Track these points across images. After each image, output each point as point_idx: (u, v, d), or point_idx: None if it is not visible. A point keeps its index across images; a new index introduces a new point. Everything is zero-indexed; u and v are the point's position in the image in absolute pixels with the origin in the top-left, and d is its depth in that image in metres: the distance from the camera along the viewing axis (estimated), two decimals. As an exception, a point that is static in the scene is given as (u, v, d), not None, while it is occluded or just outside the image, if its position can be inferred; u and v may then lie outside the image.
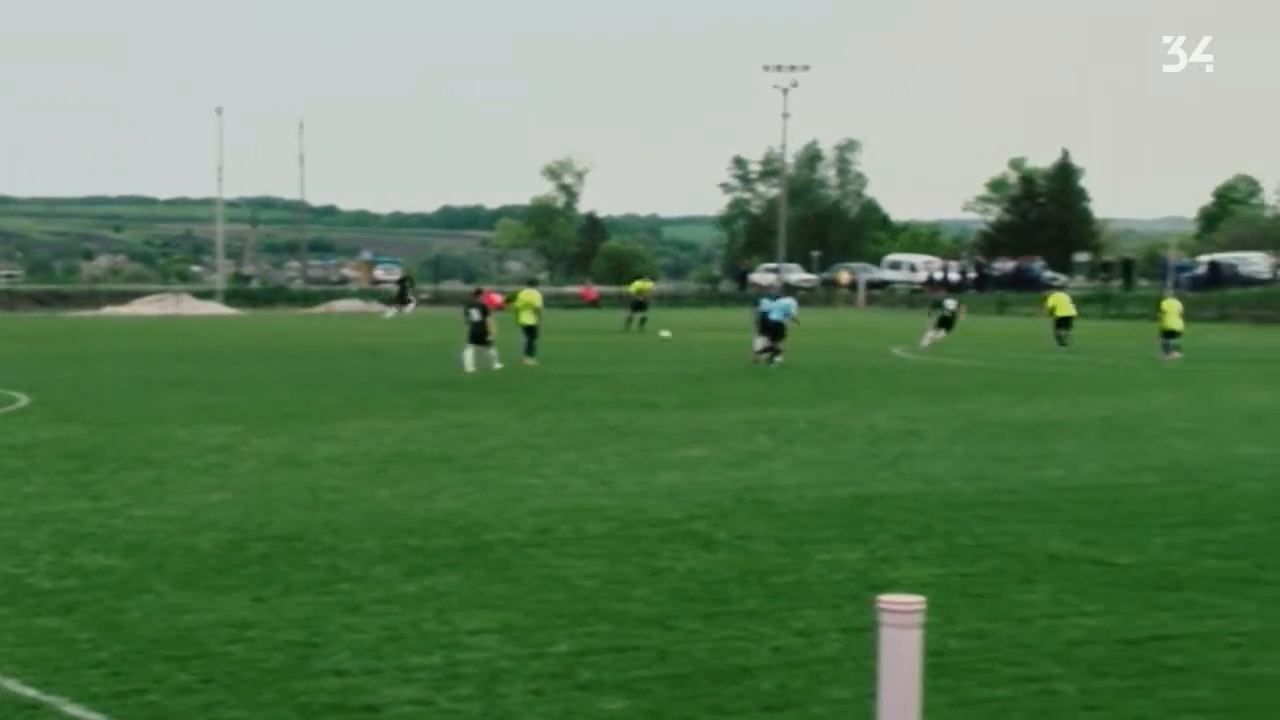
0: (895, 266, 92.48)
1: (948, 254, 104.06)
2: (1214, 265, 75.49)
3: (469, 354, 33.22)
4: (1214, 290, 69.01)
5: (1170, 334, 38.95)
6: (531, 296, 37.00)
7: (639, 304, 55.03)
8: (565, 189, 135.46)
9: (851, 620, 10.00)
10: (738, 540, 13.05)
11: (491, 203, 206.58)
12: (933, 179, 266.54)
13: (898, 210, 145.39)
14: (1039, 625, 10.06)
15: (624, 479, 16.58)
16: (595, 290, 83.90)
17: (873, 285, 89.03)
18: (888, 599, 6.79)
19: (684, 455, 18.63)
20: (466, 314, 34.21)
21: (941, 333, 43.31)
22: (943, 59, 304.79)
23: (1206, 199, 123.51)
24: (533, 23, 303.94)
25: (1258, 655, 9.32)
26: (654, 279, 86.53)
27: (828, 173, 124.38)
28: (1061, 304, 44.70)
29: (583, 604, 10.61)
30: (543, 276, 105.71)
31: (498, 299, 39.62)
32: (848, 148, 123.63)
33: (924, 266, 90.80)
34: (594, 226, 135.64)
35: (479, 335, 33.57)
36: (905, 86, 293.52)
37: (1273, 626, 10.02)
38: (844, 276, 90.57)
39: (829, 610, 10.44)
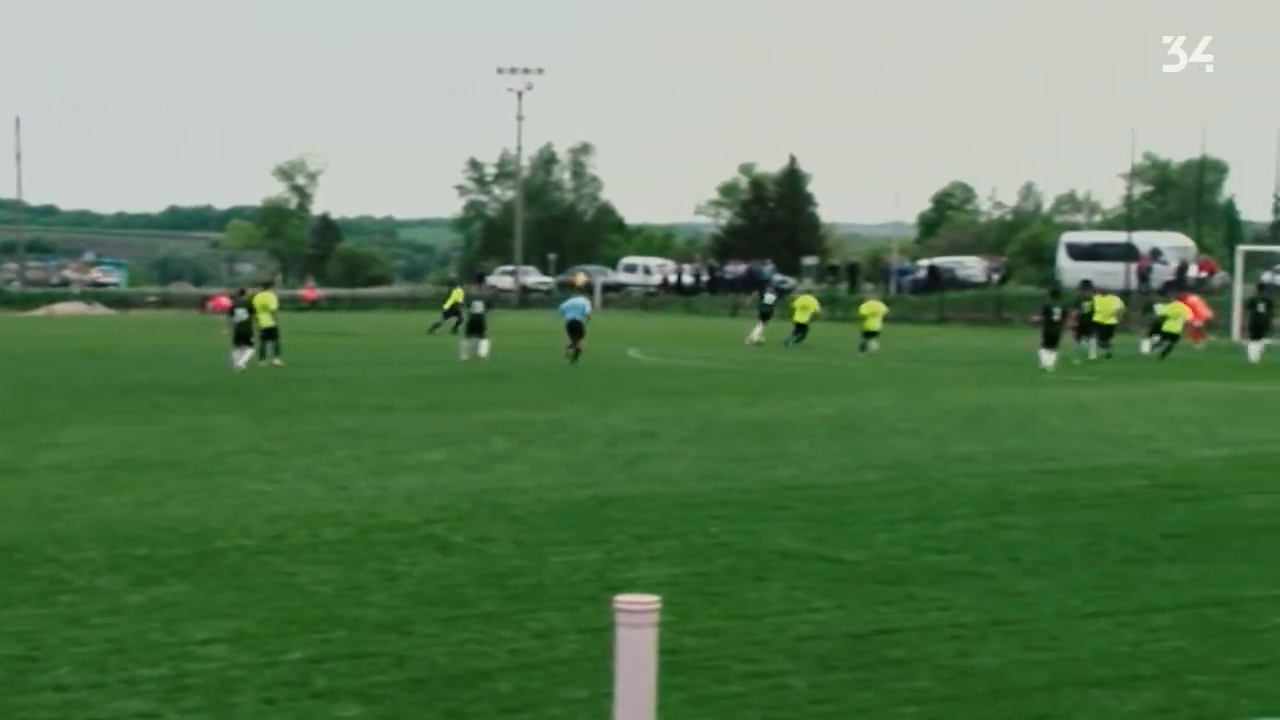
0: (630, 269, 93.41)
1: (682, 256, 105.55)
2: (933, 269, 78.15)
3: (237, 354, 33.63)
4: (934, 293, 71.49)
5: (869, 334, 42.77)
6: (267, 299, 36.43)
7: (452, 312, 55.43)
8: (298, 190, 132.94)
9: (589, 621, 10.06)
10: (476, 543, 13.01)
11: (221, 203, 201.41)
12: (666, 182, 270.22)
13: (632, 213, 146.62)
14: (771, 622, 10.28)
15: (360, 483, 16.37)
16: (316, 291, 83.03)
17: (609, 288, 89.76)
18: (624, 599, 6.85)
19: (421, 458, 18.49)
20: (232, 314, 34.41)
21: (760, 326, 45.23)
22: (675, 64, 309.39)
23: (925, 205, 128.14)
24: (263, 21, 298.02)
25: (975, 646, 9.70)
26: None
27: (563, 175, 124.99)
28: (873, 315, 44.58)
29: (318, 610, 10.44)
30: (277, 279, 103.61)
31: (225, 302, 39.62)
32: (582, 151, 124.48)
33: (659, 269, 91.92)
34: (328, 228, 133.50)
35: (243, 336, 33.98)
36: (638, 90, 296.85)
37: (989, 618, 10.43)
38: (580, 279, 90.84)
39: (567, 611, 10.48)
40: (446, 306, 55.26)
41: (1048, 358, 36.11)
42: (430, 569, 11.92)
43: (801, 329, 45.72)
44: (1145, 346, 43.21)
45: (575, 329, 37.96)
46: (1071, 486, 16.52)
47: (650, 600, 6.71)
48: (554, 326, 56.82)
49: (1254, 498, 15.85)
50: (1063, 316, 37.62)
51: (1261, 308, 42.85)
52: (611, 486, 16.33)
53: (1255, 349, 40.72)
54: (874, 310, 44.18)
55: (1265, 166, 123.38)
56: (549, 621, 10.20)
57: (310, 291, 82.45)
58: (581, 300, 40.38)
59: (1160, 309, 44.12)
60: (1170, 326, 42.39)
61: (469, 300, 40.58)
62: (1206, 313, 46.74)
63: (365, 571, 11.78)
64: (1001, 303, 65.96)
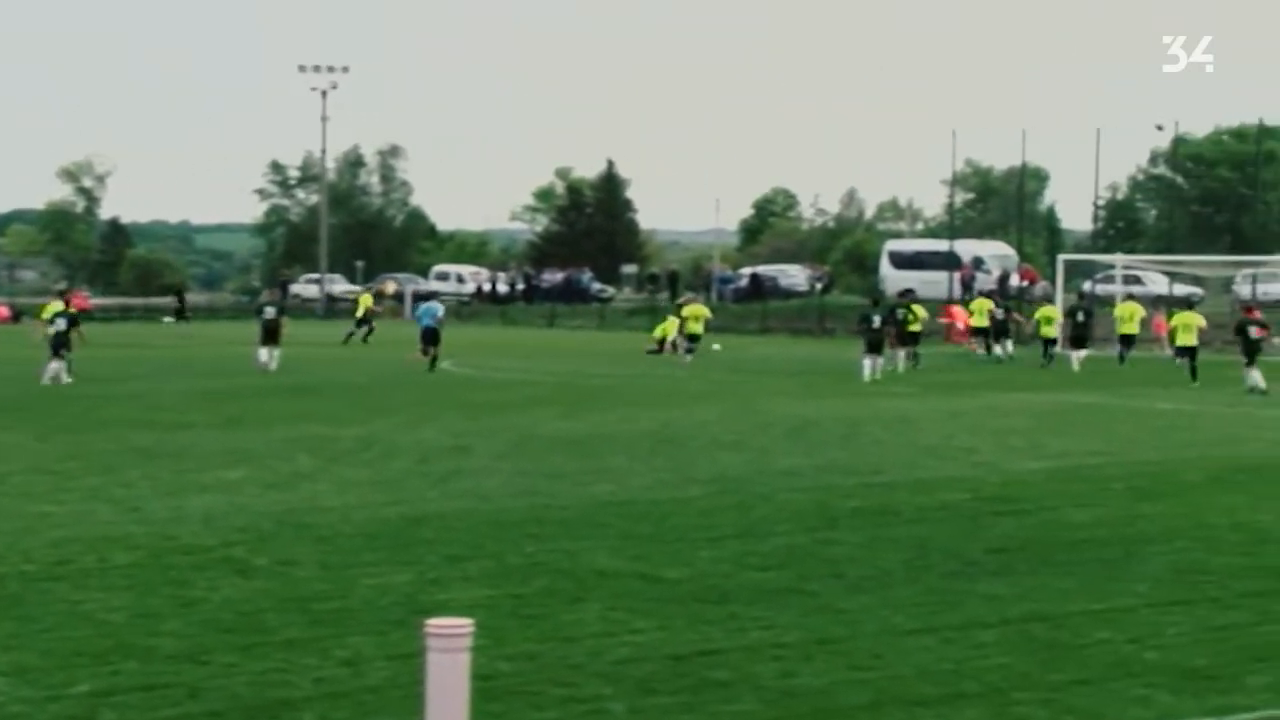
0: (443, 277, 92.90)
1: (496, 264, 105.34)
2: (755, 278, 79.16)
3: (54, 366, 33.01)
4: (756, 302, 72.37)
5: (693, 338, 43.52)
6: (54, 309, 35.51)
7: (365, 320, 56.28)
8: (84, 193, 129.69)
9: (399, 646, 9.97)
10: (278, 566, 12.81)
11: (0, 206, 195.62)
12: (480, 187, 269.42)
13: (444, 219, 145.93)
14: (588, 644, 10.29)
15: (154, 504, 16.02)
16: (88, 300, 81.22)
17: (419, 296, 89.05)
18: (435, 623, 6.80)
19: (220, 477, 18.15)
20: (52, 323, 33.75)
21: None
22: (489, 63, 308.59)
23: (747, 211, 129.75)
24: (45, 12, 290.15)
25: (799, 666, 9.82)
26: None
27: (371, 179, 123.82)
28: (695, 318, 45.13)
29: (107, 640, 10.18)
30: (62, 286, 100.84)
31: (88, 303, 39.04)
32: (391, 153, 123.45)
33: (472, 277, 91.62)
34: (117, 233, 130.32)
35: (60, 347, 33.46)
36: (450, 91, 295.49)
37: (813, 637, 10.57)
38: (390, 287, 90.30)
39: (375, 637, 10.37)
40: (359, 315, 56.27)
41: (869, 367, 36.92)
42: (229, 594, 11.70)
43: (694, 339, 45.83)
44: (999, 351, 45.76)
45: (431, 335, 39.31)
46: (895, 500, 16.83)
47: (463, 624, 6.67)
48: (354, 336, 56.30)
49: (1076, 510, 16.32)
50: (883, 324, 38.51)
51: (1081, 317, 44.29)
52: (422, 505, 16.21)
53: (1076, 358, 42.09)
54: (697, 314, 44.70)
55: (1084, 174, 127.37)
56: (356, 648, 10.08)
57: (81, 300, 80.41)
58: (436, 304, 41.75)
59: (1041, 313, 46.02)
60: (1047, 331, 44.44)
61: (260, 308, 40.09)
62: (969, 320, 48.24)
63: (158, 598, 11.53)
64: (824, 312, 67.02)
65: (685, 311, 45.63)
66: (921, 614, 11.28)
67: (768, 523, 15.31)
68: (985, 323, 46.92)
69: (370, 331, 55.24)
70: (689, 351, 43.76)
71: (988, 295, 52.88)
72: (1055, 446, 22.39)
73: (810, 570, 12.90)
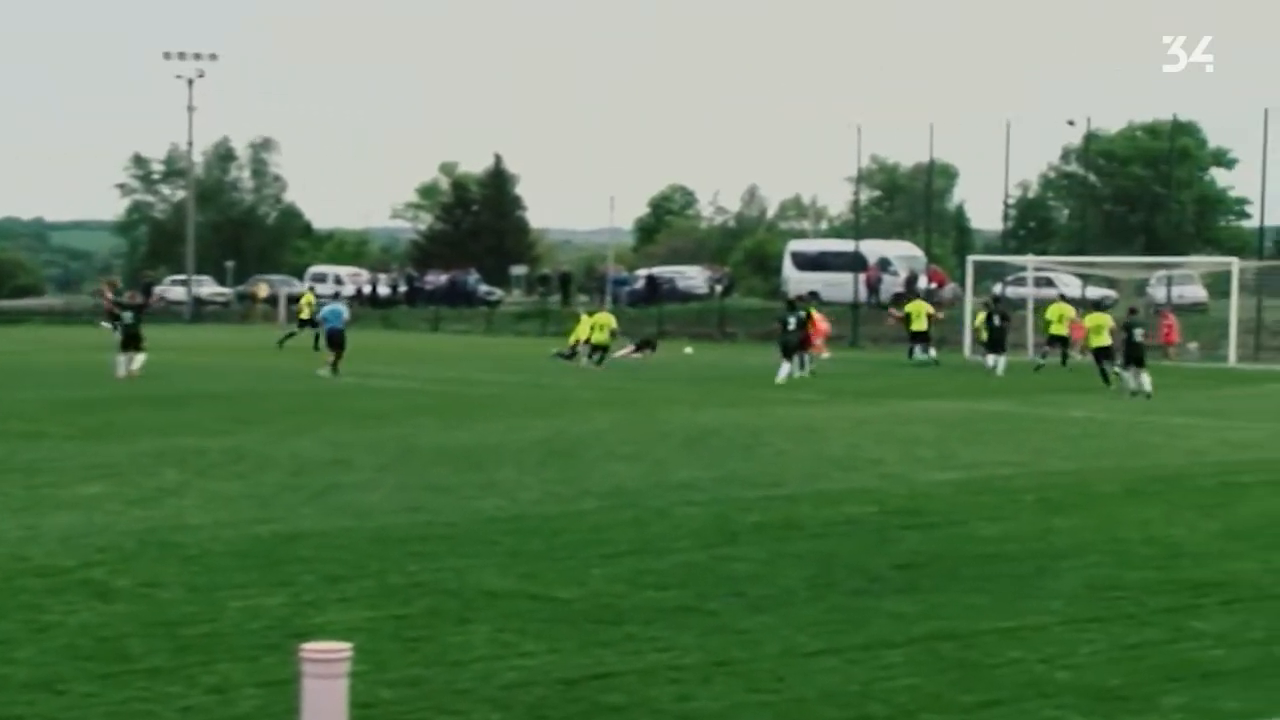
0: (320, 279, 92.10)
1: (377, 265, 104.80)
2: (652, 279, 79.36)
3: None
4: (652, 305, 72.56)
5: (599, 348, 44.27)
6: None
7: (307, 322, 55.82)
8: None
9: (272, 673, 9.88)
10: (141, 588, 12.65)
11: None
12: (359, 183, 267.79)
13: (321, 217, 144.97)
14: (476, 668, 10.26)
15: (4, 522, 15.76)
16: None
17: (295, 300, 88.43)
18: (311, 647, 6.75)
19: (78, 493, 17.90)
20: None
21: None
22: (368, 52, 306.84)
23: (643, 210, 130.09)
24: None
25: (697, 689, 9.86)
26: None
27: (241, 174, 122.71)
28: (600, 328, 45.89)
29: (-45, 671, 10.00)
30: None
31: None
32: (264, 146, 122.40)
33: (351, 279, 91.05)
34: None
35: None
36: (327, 81, 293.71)
37: (712, 659, 10.62)
38: (262, 290, 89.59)
39: (246, 663, 10.28)
40: (303, 316, 56.29)
41: (784, 371, 37.56)
42: (88, 619, 11.54)
43: (602, 350, 46.02)
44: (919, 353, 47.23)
45: (336, 339, 40.03)
46: (798, 514, 16.94)
47: (341, 648, 6.63)
48: (232, 343, 55.80)
49: (985, 524, 16.52)
50: (799, 327, 39.10)
51: (997, 320, 44.95)
52: (298, 521, 16.09)
53: (995, 361, 42.82)
54: (604, 323, 45.62)
55: (994, 171, 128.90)
56: (225, 674, 9.98)
57: None
58: (341, 305, 42.61)
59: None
60: (914, 328, 45.55)
61: (116, 312, 39.88)
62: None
63: (10, 623, 11.34)
64: (725, 315, 67.34)
65: (595, 321, 46.23)
66: (825, 633, 11.36)
67: (665, 538, 15.35)
68: (924, 326, 48.04)
69: (319, 337, 54.76)
70: (598, 362, 44.18)
71: (926, 297, 53.87)
72: (965, 456, 22.65)
73: (709, 588, 12.95)
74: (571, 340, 48.39)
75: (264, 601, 12.20)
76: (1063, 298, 50.60)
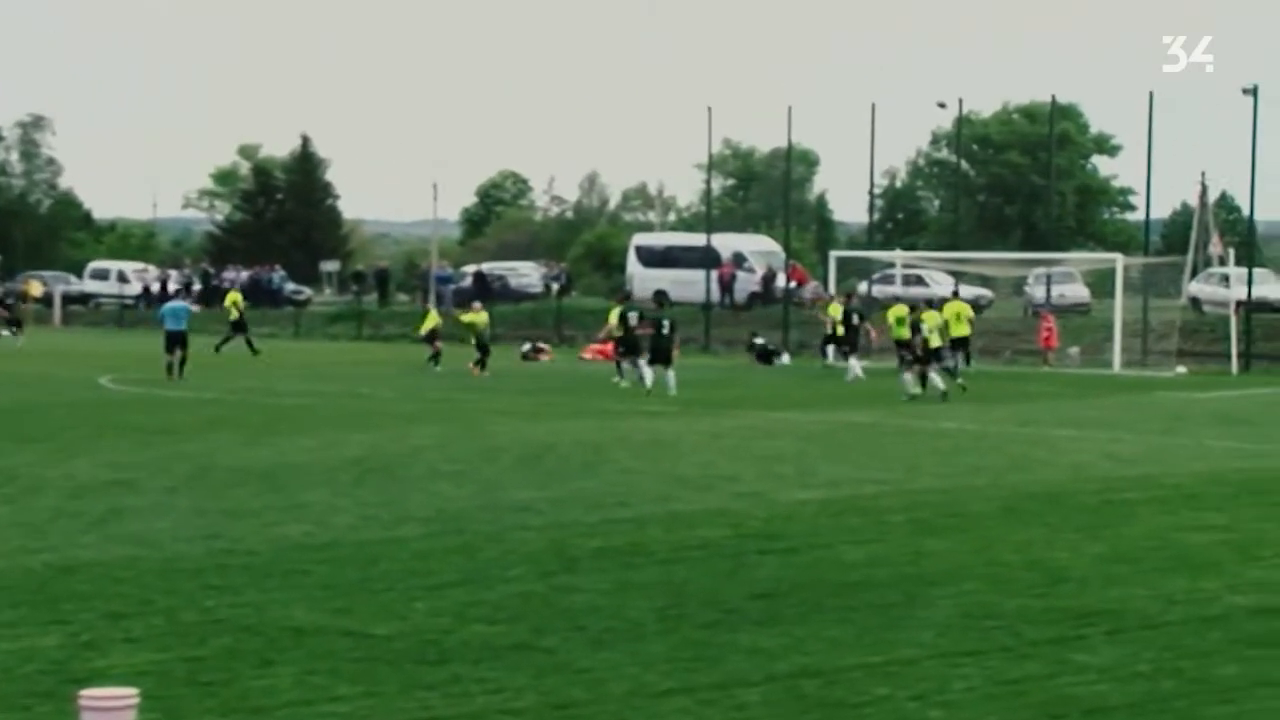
0: (101, 276, 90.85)
1: (167, 260, 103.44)
2: (480, 276, 79.19)
3: None
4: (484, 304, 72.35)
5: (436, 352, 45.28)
6: None
7: (239, 325, 56.63)
8: None
9: (47, 725, 9.73)
10: (-106, 630, 12.36)
11: None
12: (146, 167, 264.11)
13: (102, 206, 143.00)
14: (282, 714, 10.18)
15: None
16: None
17: (72, 299, 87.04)
18: (91, 694, 6.65)
19: None
20: None
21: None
22: (152, 23, 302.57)
23: (470, 199, 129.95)
24: None
25: (534, 734, 9.84)
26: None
27: (9, 156, 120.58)
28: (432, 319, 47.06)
29: None
30: None
31: None
32: (34, 125, 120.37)
33: (137, 276, 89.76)
34: None
35: None
36: (102, 54, 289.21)
37: (549, 701, 10.61)
38: (35, 288, 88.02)
39: (18, 713, 10.10)
40: (234, 319, 56.95)
41: (650, 377, 38.14)
42: None
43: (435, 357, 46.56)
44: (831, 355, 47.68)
45: (178, 340, 41.46)
46: (646, 539, 17.00)
47: (126, 694, 6.53)
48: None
49: (851, 548, 16.70)
50: (673, 331, 39.52)
51: (855, 319, 45.61)
52: (75, 551, 15.84)
53: (855, 367, 43.43)
54: (437, 322, 46.49)
55: (859, 158, 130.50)
56: (-6, 728, 9.80)
57: None
58: (182, 303, 44.43)
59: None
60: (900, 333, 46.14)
61: None
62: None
63: None
64: (562, 317, 67.44)
65: (474, 318, 46.72)
66: (676, 671, 11.41)
67: (496, 567, 15.32)
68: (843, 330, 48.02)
69: (249, 342, 55.58)
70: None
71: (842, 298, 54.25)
72: (827, 473, 22.89)
73: (546, 623, 12.94)
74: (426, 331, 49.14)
75: (37, 643, 11.99)
76: (955, 295, 51.25)
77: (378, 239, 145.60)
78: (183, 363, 41.50)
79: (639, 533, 17.38)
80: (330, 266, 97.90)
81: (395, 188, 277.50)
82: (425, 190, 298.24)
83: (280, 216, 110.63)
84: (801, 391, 40.16)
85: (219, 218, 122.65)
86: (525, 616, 13.17)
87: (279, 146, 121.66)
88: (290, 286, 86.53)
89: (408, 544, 16.57)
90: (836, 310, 48.37)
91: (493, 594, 14.05)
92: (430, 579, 14.68)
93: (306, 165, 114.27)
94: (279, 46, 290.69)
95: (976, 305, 55.01)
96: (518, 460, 24.01)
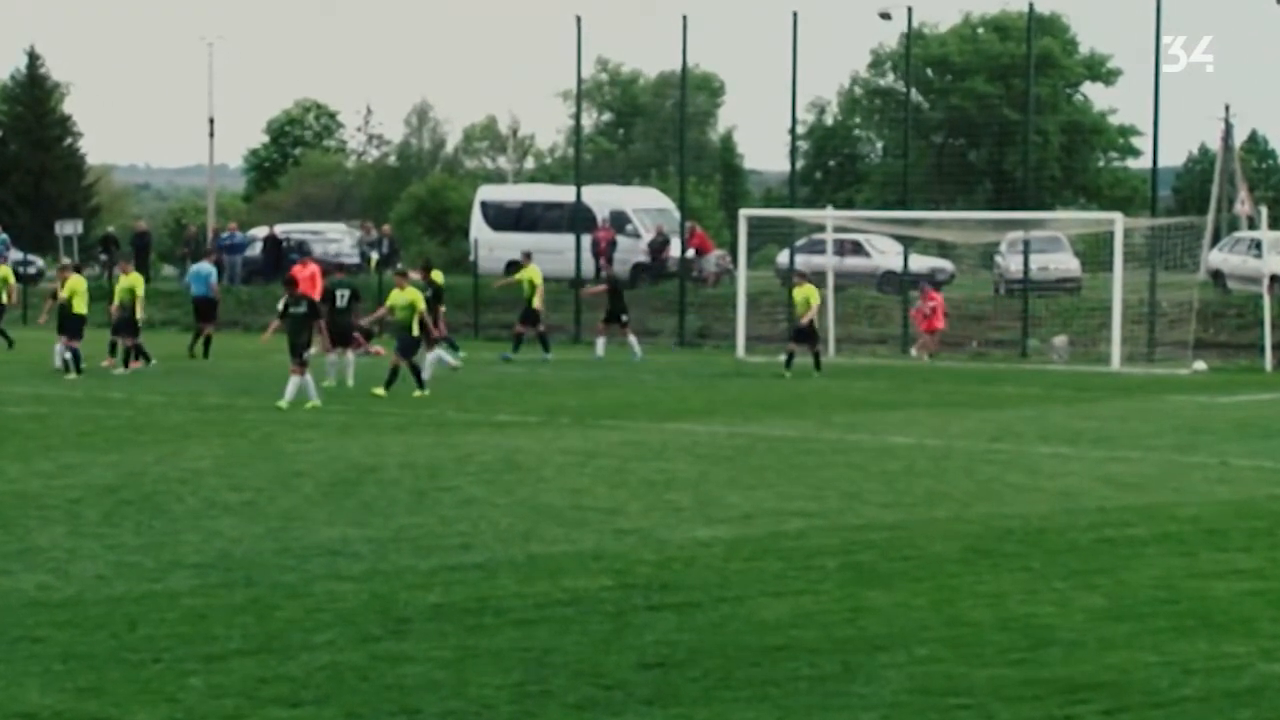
0: None
1: None
2: (274, 242, 78.69)
3: None
4: (276, 281, 72.01)
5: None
6: None
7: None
8: None
9: None
10: None
11: None
12: None
13: None
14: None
15: None
16: None
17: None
18: None
19: None
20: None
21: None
22: None
23: (259, 137, 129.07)
24: None
25: None
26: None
27: None
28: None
29: None
30: None
31: None
32: None
33: None
34: None
35: None
36: None
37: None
38: None
39: None
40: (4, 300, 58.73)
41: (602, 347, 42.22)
42: None
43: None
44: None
45: (207, 309, 46.26)
46: (497, 592, 17.02)
47: None
48: None
49: (769, 601, 16.79)
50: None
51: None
52: None
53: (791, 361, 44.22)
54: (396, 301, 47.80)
55: (777, 87, 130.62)
56: None
57: None
58: (208, 265, 48.58)
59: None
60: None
61: None
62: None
63: None
64: (386, 296, 67.10)
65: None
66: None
67: (299, 630, 15.29)
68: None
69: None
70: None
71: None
72: (739, 504, 22.95)
73: (366, 704, 12.94)
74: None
75: None
76: (933, 283, 51.84)
77: (134, 192, 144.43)
78: (209, 339, 44.02)
79: (488, 584, 17.39)
80: (69, 229, 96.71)
81: (157, 123, 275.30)
82: (198, 127, 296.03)
83: (1, 162, 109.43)
84: (703, 395, 40.15)
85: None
86: (337, 696, 13.15)
87: None
88: (15, 255, 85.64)
89: (178, 600, 16.50)
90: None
91: (294, 666, 14.02)
92: (209, 646, 14.63)
93: (35, 93, 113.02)
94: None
95: (933, 280, 55.26)
96: (325, 487, 23.92)
